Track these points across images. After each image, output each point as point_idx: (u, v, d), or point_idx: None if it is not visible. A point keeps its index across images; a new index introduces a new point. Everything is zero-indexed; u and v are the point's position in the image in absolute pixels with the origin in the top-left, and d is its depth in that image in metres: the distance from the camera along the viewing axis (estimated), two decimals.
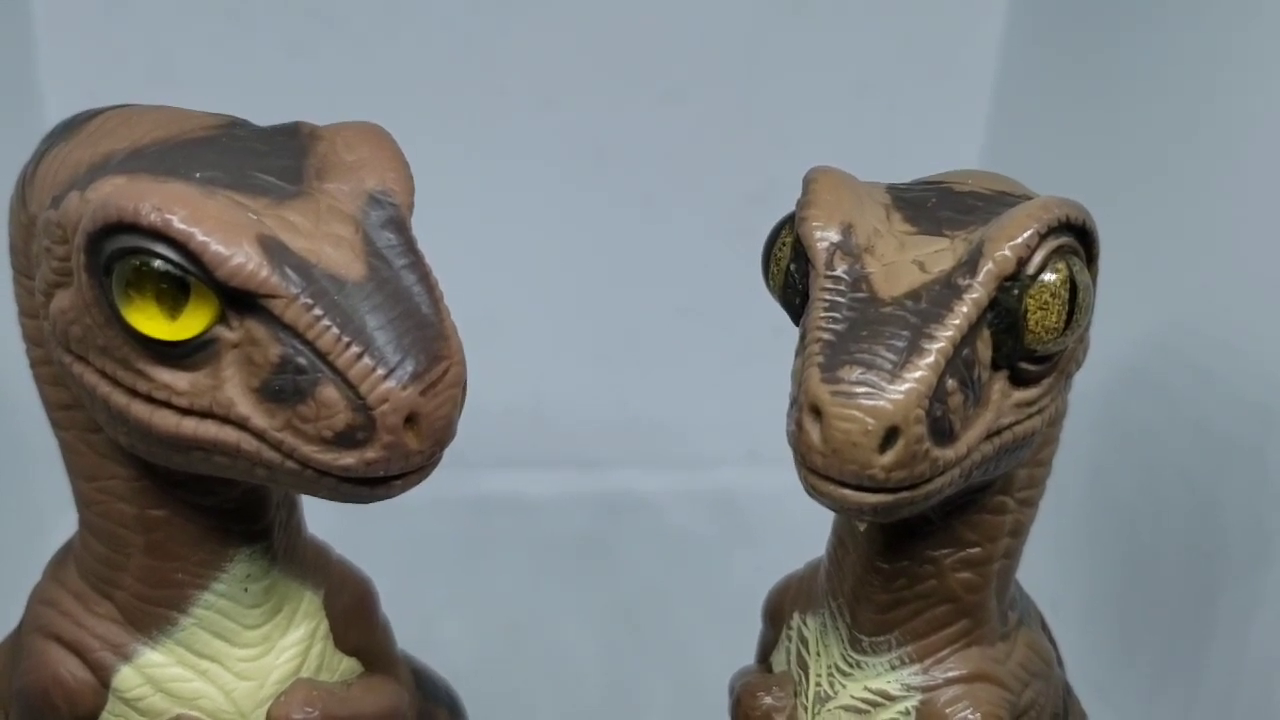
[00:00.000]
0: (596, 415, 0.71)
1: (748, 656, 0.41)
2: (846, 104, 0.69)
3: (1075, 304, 0.30)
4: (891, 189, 0.33)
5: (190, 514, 0.32)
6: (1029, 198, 0.32)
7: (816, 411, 0.28)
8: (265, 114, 0.33)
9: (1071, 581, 0.57)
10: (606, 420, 0.72)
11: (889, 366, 0.28)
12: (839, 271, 0.30)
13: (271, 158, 0.30)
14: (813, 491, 0.30)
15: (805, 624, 0.37)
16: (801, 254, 0.31)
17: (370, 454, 0.27)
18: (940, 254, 0.30)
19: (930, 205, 0.32)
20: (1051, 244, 0.30)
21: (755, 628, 0.40)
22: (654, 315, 0.72)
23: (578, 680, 0.59)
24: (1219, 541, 0.50)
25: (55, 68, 0.64)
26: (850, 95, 0.69)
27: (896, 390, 0.28)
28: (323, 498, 0.29)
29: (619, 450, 0.73)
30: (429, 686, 0.41)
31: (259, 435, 0.28)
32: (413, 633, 0.41)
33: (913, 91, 0.69)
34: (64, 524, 0.34)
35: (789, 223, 0.33)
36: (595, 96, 0.68)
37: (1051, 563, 0.49)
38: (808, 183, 0.32)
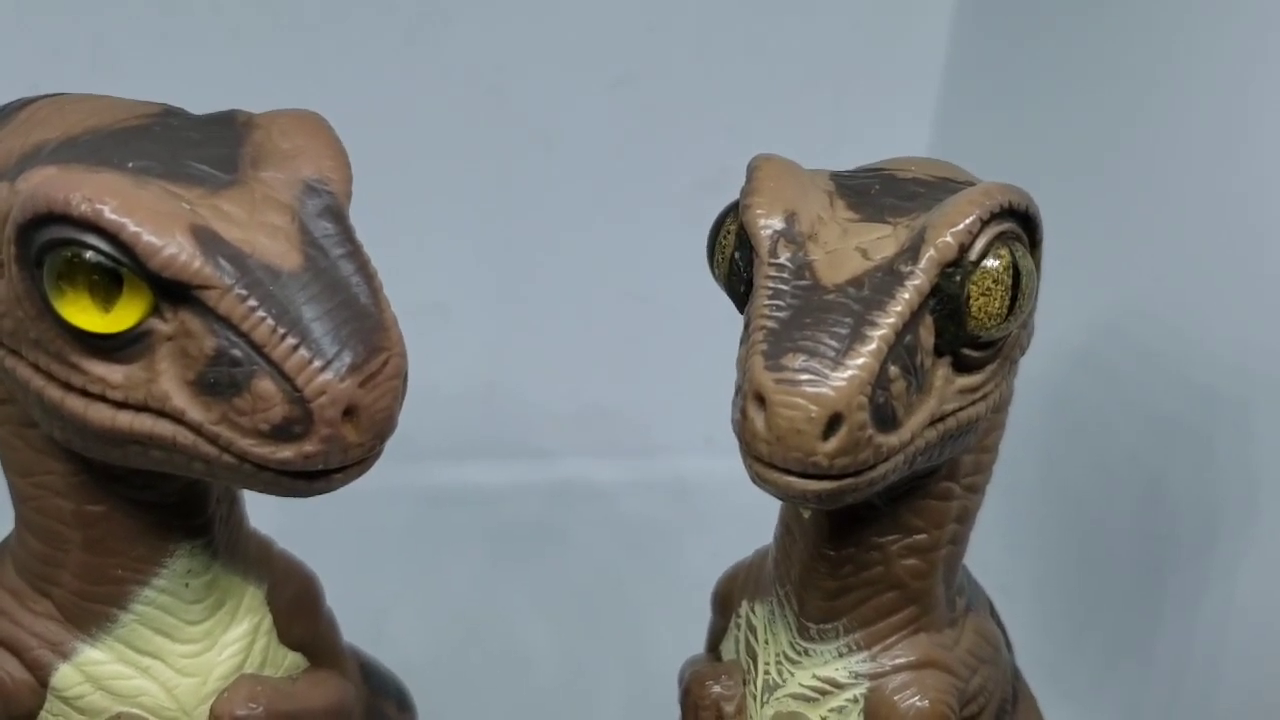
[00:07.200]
0: (549, 404, 0.71)
1: (702, 644, 0.41)
2: (797, 90, 0.69)
3: (1018, 290, 0.30)
4: (835, 176, 0.33)
5: (129, 509, 0.32)
6: (972, 184, 0.32)
7: (760, 399, 0.28)
8: (206, 104, 0.33)
9: (1022, 565, 0.57)
10: (559, 409, 0.72)
11: (831, 354, 0.28)
12: (782, 259, 0.30)
13: (206, 146, 0.29)
14: (758, 479, 0.29)
15: (753, 612, 0.37)
16: (746, 242, 0.31)
17: (308, 447, 0.27)
18: (883, 241, 0.30)
19: (873, 192, 0.32)
20: (994, 230, 0.30)
21: (709, 616, 0.40)
22: (606, 303, 0.72)
23: (531, 670, 0.59)
24: (1168, 524, 0.50)
25: None
26: (801, 81, 0.69)
27: (839, 377, 0.28)
28: (261, 491, 0.29)
29: (572, 439, 0.73)
30: (377, 680, 0.41)
31: (195, 429, 0.27)
32: (364, 627, 0.41)
33: (862, 78, 0.70)
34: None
35: (733, 211, 0.32)
36: (545, 82, 0.67)
37: (1002, 547, 0.49)
38: (751, 170, 0.32)
